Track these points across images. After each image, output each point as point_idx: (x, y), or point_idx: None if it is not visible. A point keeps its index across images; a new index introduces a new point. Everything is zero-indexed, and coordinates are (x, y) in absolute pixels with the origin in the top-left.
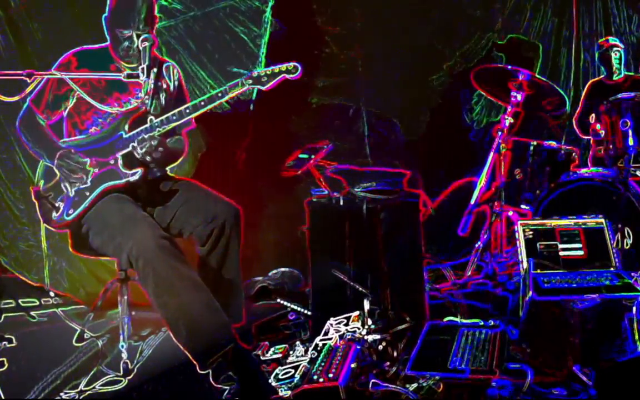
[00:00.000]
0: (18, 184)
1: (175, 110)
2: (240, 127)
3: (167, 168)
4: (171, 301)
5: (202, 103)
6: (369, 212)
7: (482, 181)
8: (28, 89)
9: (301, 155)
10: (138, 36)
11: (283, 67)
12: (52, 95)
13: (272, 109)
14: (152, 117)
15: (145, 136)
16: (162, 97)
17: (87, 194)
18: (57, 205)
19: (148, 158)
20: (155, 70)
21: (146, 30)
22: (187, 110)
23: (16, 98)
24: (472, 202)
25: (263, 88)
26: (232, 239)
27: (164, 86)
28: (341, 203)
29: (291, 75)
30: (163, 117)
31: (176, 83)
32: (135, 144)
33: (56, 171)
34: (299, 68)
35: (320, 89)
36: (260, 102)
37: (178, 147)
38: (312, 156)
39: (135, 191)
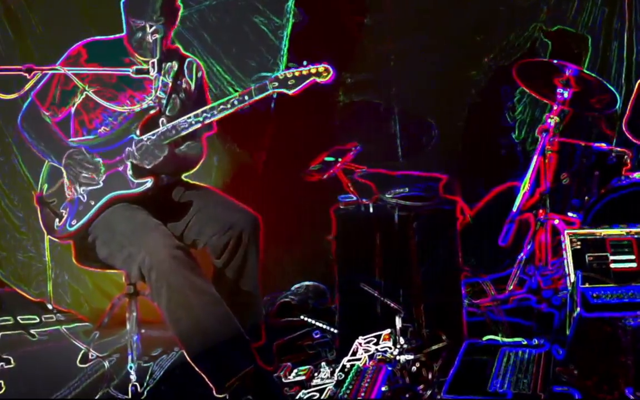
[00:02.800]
0: (17, 189)
1: (191, 114)
2: (260, 127)
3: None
4: (186, 317)
5: (222, 107)
6: (401, 220)
7: (525, 186)
8: (27, 86)
9: (327, 158)
10: (151, 27)
11: (313, 69)
12: (59, 91)
13: (294, 108)
14: (164, 120)
15: (149, 145)
16: (181, 97)
17: (92, 203)
18: (60, 213)
19: (147, 164)
20: (175, 67)
21: (161, 21)
22: (206, 115)
23: (15, 95)
24: (514, 209)
25: (289, 92)
26: (250, 251)
27: (184, 85)
28: (371, 210)
29: (322, 80)
30: (172, 124)
31: (198, 83)
32: (136, 154)
33: (63, 171)
34: (331, 71)
35: (348, 85)
36: (282, 100)
37: (193, 153)
38: (339, 159)
39: (147, 198)
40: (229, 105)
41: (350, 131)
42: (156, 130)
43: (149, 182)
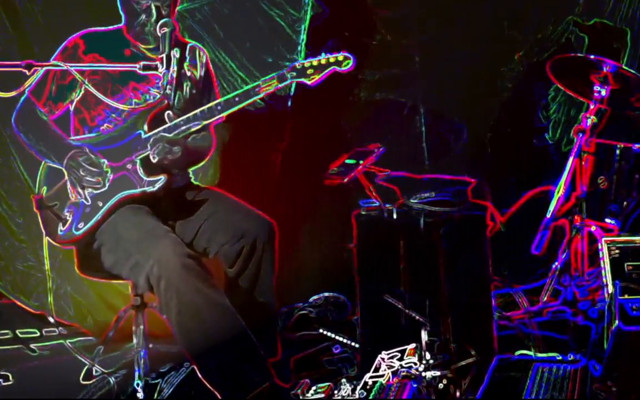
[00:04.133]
0: (15, 193)
1: (204, 108)
2: (276, 126)
3: (191, 176)
4: (197, 331)
5: (237, 99)
6: (428, 227)
7: (560, 191)
8: (27, 83)
9: (348, 161)
10: (157, 8)
11: (332, 58)
12: (56, 86)
13: (313, 106)
14: (170, 113)
15: (165, 143)
16: (186, 87)
17: (100, 204)
18: (63, 216)
19: (165, 161)
20: (177, 55)
21: (167, 2)
22: (218, 108)
23: (13, 93)
24: (549, 215)
25: (309, 82)
26: (265, 259)
27: (188, 74)
28: (394, 216)
29: (343, 69)
30: (185, 117)
31: (202, 70)
32: (149, 147)
33: (65, 173)
34: (352, 60)
35: (371, 82)
36: (300, 98)
37: (203, 145)
38: (361, 161)
39: (155, 202)
40: (245, 97)
41: (373, 131)
42: (167, 125)
43: (161, 180)
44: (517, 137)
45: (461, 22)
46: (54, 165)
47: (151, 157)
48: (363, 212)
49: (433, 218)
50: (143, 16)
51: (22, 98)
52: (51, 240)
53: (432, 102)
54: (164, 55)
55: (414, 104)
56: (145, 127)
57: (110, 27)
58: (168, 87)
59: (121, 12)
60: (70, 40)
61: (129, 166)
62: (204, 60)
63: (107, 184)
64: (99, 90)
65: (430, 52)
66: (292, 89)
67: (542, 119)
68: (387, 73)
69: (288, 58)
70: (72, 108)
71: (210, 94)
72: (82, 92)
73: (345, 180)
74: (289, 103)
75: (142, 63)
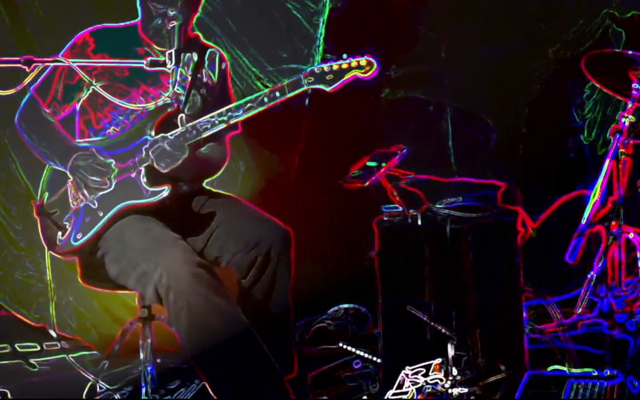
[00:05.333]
0: (14, 198)
1: (214, 113)
2: (293, 127)
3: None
4: (208, 345)
5: (250, 105)
6: (454, 234)
7: (595, 195)
8: (27, 80)
9: (369, 163)
10: (172, 13)
11: (354, 62)
12: (62, 85)
13: (332, 105)
14: (183, 118)
15: (166, 147)
16: (201, 93)
17: (101, 214)
18: (63, 225)
19: (165, 167)
20: (195, 58)
21: (186, 6)
22: (231, 114)
23: (12, 91)
24: (584, 221)
25: (327, 89)
26: (281, 269)
27: (205, 79)
28: (419, 222)
29: (364, 75)
30: (196, 122)
31: (221, 76)
32: (151, 155)
33: (69, 176)
34: (375, 65)
35: (394, 79)
36: (318, 97)
37: (215, 156)
38: (383, 164)
39: (162, 209)
40: (257, 103)
41: (396, 132)
42: (174, 131)
43: (165, 191)
44: (549, 137)
45: (491, 14)
46: (58, 168)
47: (158, 167)
48: (385, 218)
49: (460, 224)
50: (159, 20)
51: (27, 97)
52: (50, 251)
53: (459, 100)
54: (172, 51)
55: (440, 102)
56: (152, 132)
57: (124, 23)
58: (178, 87)
59: (138, 7)
60: (80, 36)
61: (133, 174)
62: (223, 67)
63: (113, 184)
64: (108, 93)
65: (458, 46)
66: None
67: (577, 119)
68: (411, 69)
69: (305, 53)
70: (78, 107)
71: (225, 103)
72: (90, 91)
73: (367, 183)
74: (307, 102)
75: (149, 58)
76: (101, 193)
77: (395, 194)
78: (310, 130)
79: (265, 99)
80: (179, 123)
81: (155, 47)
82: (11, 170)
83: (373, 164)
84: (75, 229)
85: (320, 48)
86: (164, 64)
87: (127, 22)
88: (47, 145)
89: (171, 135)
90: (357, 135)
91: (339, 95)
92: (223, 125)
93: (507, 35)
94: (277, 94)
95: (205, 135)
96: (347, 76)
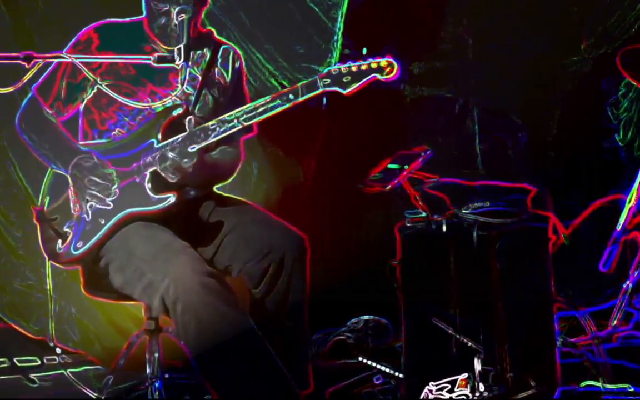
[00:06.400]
0: (13, 203)
1: (224, 116)
2: (309, 128)
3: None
4: (219, 359)
5: (263, 108)
6: (481, 241)
7: (631, 200)
8: (26, 77)
9: (390, 166)
10: (176, 9)
11: (374, 63)
12: (66, 84)
13: (351, 105)
14: (192, 120)
15: (173, 155)
16: (213, 93)
17: (102, 222)
18: (64, 232)
19: (173, 176)
20: (207, 55)
21: (190, 2)
22: (245, 116)
23: (11, 89)
24: (619, 228)
25: (344, 92)
26: (295, 278)
27: (217, 79)
28: (443, 229)
29: (385, 77)
30: (206, 125)
31: (235, 76)
32: (160, 167)
33: (70, 182)
34: (396, 66)
35: (417, 76)
36: (336, 95)
37: (227, 160)
38: (405, 166)
39: (168, 216)
40: (271, 106)
41: (419, 132)
42: (182, 134)
43: (171, 198)
44: (583, 138)
45: (520, 6)
46: (60, 172)
47: (163, 173)
48: (408, 224)
49: (488, 231)
50: (162, 19)
51: (28, 96)
52: (50, 259)
53: (486, 98)
54: (181, 46)
55: (466, 100)
56: (160, 135)
57: (129, 19)
58: (187, 86)
59: (143, 4)
60: (84, 33)
61: (138, 179)
62: (237, 66)
63: (112, 196)
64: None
65: (485, 41)
66: None
67: (612, 119)
68: (435, 65)
69: (323, 48)
70: (82, 107)
71: (240, 104)
72: (94, 91)
73: (388, 188)
74: (324, 102)
75: (156, 54)
76: (99, 207)
77: (419, 199)
78: (328, 130)
79: (279, 101)
80: (186, 126)
81: (162, 45)
82: (9, 172)
83: (395, 166)
84: (76, 237)
85: (339, 43)
86: (172, 60)
87: (134, 18)
88: (49, 148)
89: (177, 139)
90: (378, 136)
91: (358, 93)
92: (235, 128)
93: (537, 30)
94: (291, 96)
95: (214, 139)
96: (366, 78)
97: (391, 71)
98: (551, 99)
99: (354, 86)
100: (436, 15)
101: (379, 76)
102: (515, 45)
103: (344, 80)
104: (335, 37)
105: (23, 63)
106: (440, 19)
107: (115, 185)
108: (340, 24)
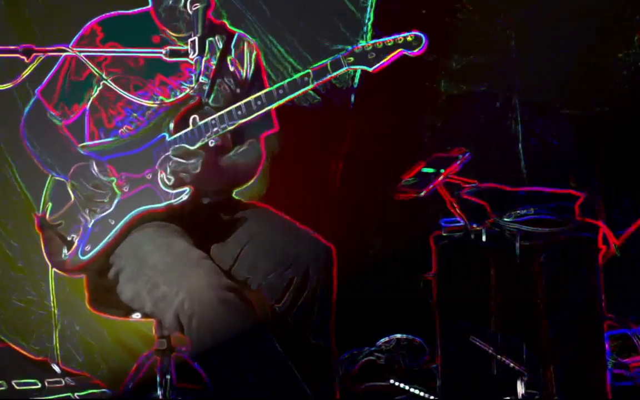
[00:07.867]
0: (11, 211)
1: (240, 104)
2: (336, 127)
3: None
4: (238, 381)
5: (281, 91)
6: (525, 252)
7: None
8: (25, 72)
9: (425, 170)
10: None
11: (400, 38)
12: (69, 82)
13: (382, 102)
14: (197, 117)
15: (171, 153)
16: (229, 85)
17: (112, 222)
18: (69, 239)
19: (181, 179)
20: (220, 44)
21: None
22: (258, 104)
23: (9, 85)
24: None
25: (370, 69)
26: (321, 292)
27: (232, 70)
28: (483, 239)
29: (412, 51)
30: (212, 118)
31: (252, 68)
32: (158, 162)
33: (70, 192)
34: (423, 39)
35: (453, 72)
36: (366, 92)
37: (246, 161)
38: (441, 171)
39: (185, 219)
40: (290, 88)
41: (456, 133)
42: (181, 133)
43: (186, 192)
44: (636, 140)
45: None
46: (61, 179)
47: (162, 173)
48: (444, 234)
49: (531, 241)
50: (169, 1)
51: (32, 100)
52: (55, 268)
53: (530, 95)
54: (196, 38)
55: (507, 97)
56: (171, 128)
57: (135, 11)
58: (202, 78)
59: None
60: (87, 27)
61: (149, 177)
62: (254, 56)
63: (113, 205)
64: (119, 86)
65: (529, 33)
66: (356, 81)
67: None
68: (474, 60)
69: (351, 42)
70: (88, 106)
71: None
72: (100, 87)
73: (422, 193)
74: (352, 98)
75: (168, 48)
76: (99, 216)
77: (456, 206)
78: (357, 130)
79: (299, 82)
80: (190, 123)
81: (171, 32)
82: (7, 176)
83: (430, 170)
84: (83, 241)
85: (369, 35)
86: (185, 54)
87: (139, 9)
88: (49, 154)
89: (179, 137)
90: (411, 137)
91: (389, 90)
92: (246, 119)
93: (586, 21)
94: (305, 78)
95: (221, 132)
96: (392, 54)
97: (418, 45)
98: (602, 96)
99: (381, 62)
100: (475, 5)
101: (406, 51)
102: (561, 36)
103: (369, 57)
104: (365, 29)
105: (22, 57)
106: (480, 10)
107: (118, 194)
108: (369, 14)
